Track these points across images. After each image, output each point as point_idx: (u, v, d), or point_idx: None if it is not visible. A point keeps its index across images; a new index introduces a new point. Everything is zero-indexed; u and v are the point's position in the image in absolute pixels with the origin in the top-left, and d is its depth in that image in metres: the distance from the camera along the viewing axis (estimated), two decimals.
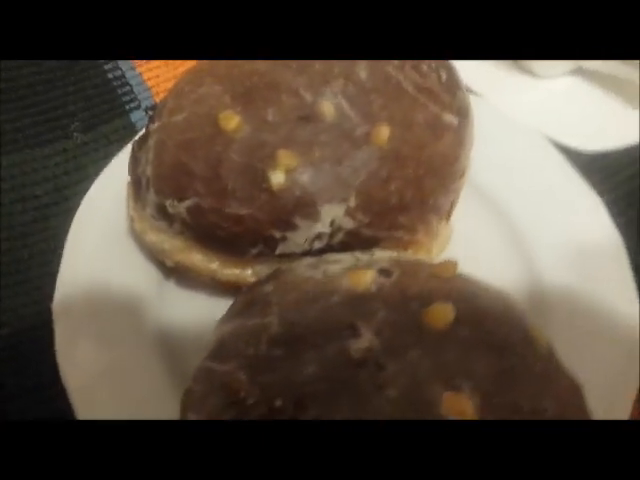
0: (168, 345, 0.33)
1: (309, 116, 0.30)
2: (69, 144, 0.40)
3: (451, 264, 0.29)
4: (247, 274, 0.32)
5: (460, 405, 0.23)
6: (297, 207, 0.29)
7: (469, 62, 0.39)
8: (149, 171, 0.30)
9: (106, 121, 0.41)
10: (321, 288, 0.27)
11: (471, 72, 0.39)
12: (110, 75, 0.43)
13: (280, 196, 0.29)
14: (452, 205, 0.32)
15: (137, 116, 0.41)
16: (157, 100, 0.42)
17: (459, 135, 0.32)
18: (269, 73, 0.31)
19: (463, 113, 0.33)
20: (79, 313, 0.32)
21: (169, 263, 0.32)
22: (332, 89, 0.30)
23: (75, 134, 0.40)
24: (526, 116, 0.39)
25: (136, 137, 0.34)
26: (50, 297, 0.34)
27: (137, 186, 0.31)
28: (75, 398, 0.30)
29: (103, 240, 0.35)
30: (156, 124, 0.31)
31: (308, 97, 0.30)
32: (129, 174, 0.33)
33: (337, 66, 0.31)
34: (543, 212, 0.36)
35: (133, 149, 0.32)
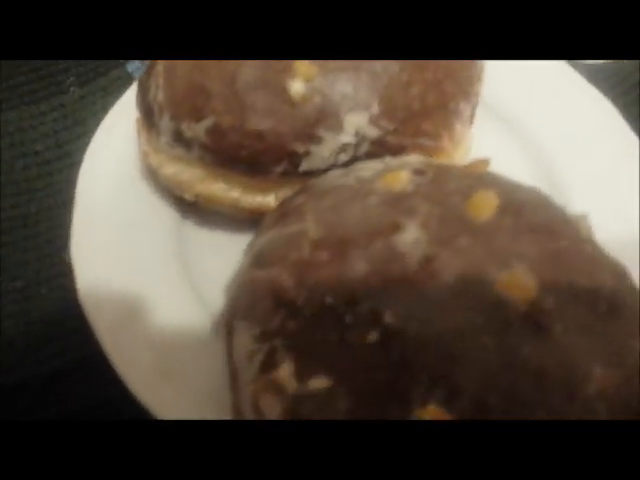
0: (192, 282, 0.32)
1: None
2: (66, 99, 0.38)
3: (483, 161, 0.29)
4: (270, 200, 0.31)
5: (519, 282, 0.22)
6: (320, 118, 0.28)
7: None
8: (161, 96, 0.29)
9: (102, 73, 0.39)
10: (356, 191, 0.26)
11: None
12: None
13: (301, 107, 0.28)
14: (473, 110, 0.31)
15: (133, 66, 0.40)
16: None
17: None
18: None
19: None
20: (99, 256, 0.31)
21: (189, 196, 0.31)
22: None
23: (71, 88, 0.39)
24: None
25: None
26: (62, 249, 0.33)
27: (149, 116, 0.30)
28: (105, 339, 0.29)
29: (115, 185, 0.33)
30: None
31: None
32: (138, 107, 0.31)
33: None
34: (561, 125, 0.36)
35: (140, 80, 0.31)
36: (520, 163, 0.35)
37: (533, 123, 0.36)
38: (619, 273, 0.25)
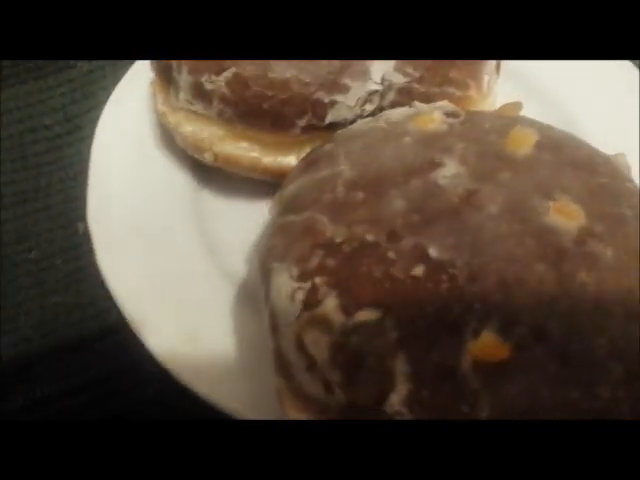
0: (211, 249, 0.30)
1: None
2: (74, 73, 0.37)
3: (515, 104, 0.28)
4: (291, 160, 0.29)
5: (570, 209, 0.21)
6: (345, 64, 0.27)
7: None
8: None
9: None
10: (388, 133, 0.25)
11: None
12: None
13: None
14: (499, 61, 0.31)
15: None
16: None
17: None
18: None
19: None
20: (117, 223, 0.30)
21: (208, 157, 0.30)
22: None
23: (79, 63, 0.38)
24: None
25: None
26: (76, 220, 0.32)
27: (166, 73, 0.29)
28: (126, 305, 0.28)
29: (130, 153, 0.32)
30: None
31: None
32: (153, 67, 0.30)
33: None
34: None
35: None
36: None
37: (559, 90, 0.36)
38: None
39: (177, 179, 0.32)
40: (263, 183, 0.31)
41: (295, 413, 0.20)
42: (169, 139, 0.32)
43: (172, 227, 0.30)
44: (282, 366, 0.21)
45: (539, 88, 0.34)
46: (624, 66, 0.35)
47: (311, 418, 0.20)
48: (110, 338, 0.28)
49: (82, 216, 0.31)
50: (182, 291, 0.28)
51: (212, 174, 0.32)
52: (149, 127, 0.33)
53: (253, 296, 0.28)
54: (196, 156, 0.31)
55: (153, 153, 0.32)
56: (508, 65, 0.33)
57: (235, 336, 0.28)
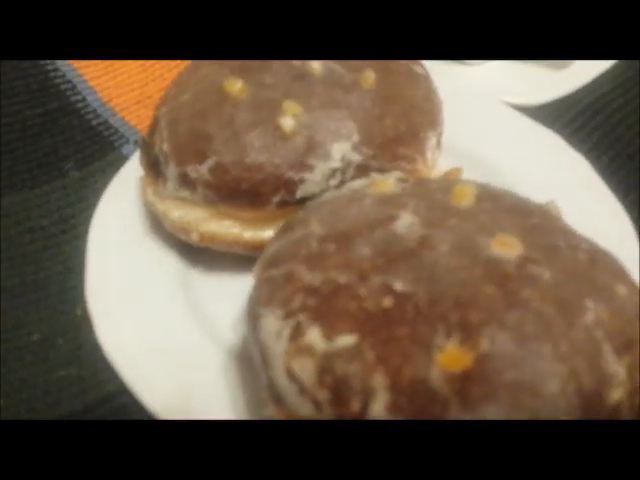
0: (201, 319, 0.33)
1: (301, 75, 0.33)
2: (66, 181, 0.41)
3: (456, 169, 0.33)
4: (270, 234, 0.33)
5: (509, 241, 0.25)
6: (309, 148, 0.32)
7: None
8: (166, 147, 0.33)
9: (99, 158, 0.43)
10: (351, 198, 0.29)
11: None
12: (94, 122, 0.45)
13: (292, 140, 0.32)
14: (439, 137, 0.36)
15: (128, 149, 0.43)
16: (143, 134, 0.44)
17: (429, 82, 0.36)
18: None
19: (426, 70, 0.38)
20: (113, 300, 0.33)
21: (194, 237, 0.33)
22: None
23: (71, 172, 0.42)
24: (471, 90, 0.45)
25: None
26: (74, 306, 0.35)
27: (155, 167, 0.33)
28: (125, 372, 0.30)
29: (123, 242, 0.36)
30: (162, 109, 0.34)
31: (296, 63, 0.34)
32: (142, 164, 0.35)
33: None
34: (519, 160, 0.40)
35: (143, 140, 0.35)
36: None
37: (490, 158, 0.41)
38: (590, 240, 0.28)
39: (167, 260, 0.35)
40: (246, 258, 0.34)
41: None
42: (158, 226, 0.36)
43: (164, 302, 0.33)
44: (275, 396, 0.23)
45: (476, 160, 0.39)
46: (547, 134, 0.41)
47: None
48: (111, 404, 0.30)
49: (80, 302, 0.34)
50: (176, 357, 0.31)
51: (199, 253, 0.35)
52: (139, 217, 0.37)
53: (240, 358, 0.31)
54: (184, 238, 0.34)
55: (144, 239, 0.36)
56: (447, 142, 0.38)
57: (226, 393, 0.30)
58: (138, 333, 0.32)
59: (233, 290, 0.35)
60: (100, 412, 0.30)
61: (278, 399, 0.23)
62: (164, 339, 0.32)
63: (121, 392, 0.30)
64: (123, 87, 0.48)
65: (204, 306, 0.34)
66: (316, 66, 0.33)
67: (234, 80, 0.33)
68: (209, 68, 0.34)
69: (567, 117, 0.45)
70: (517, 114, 0.42)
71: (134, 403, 0.30)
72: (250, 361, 0.27)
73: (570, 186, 0.39)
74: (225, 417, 0.29)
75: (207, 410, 0.29)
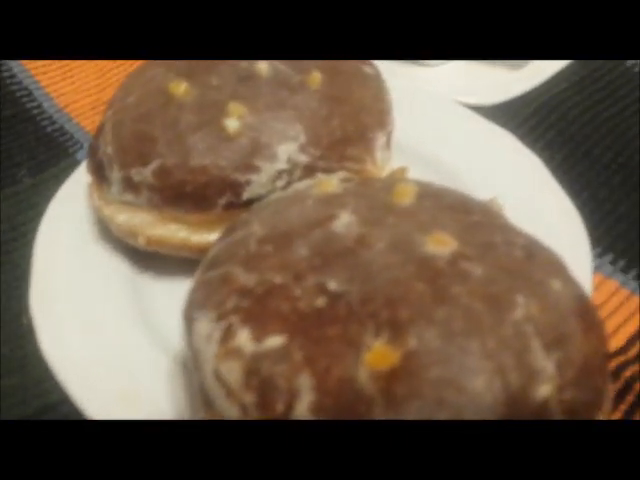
0: (151, 327, 0.33)
1: (248, 76, 0.33)
2: (19, 187, 0.41)
3: (401, 169, 0.33)
4: (216, 236, 0.33)
5: (443, 238, 0.25)
6: (255, 149, 0.32)
7: None
8: (110, 150, 0.32)
9: (53, 164, 0.43)
10: (293, 199, 0.29)
11: None
12: (49, 129, 0.45)
13: (238, 141, 0.32)
14: (389, 137, 0.36)
15: (82, 155, 0.43)
16: None
17: (379, 82, 0.37)
18: None
19: (377, 69, 0.38)
20: (57, 307, 0.33)
21: (141, 241, 0.33)
22: None
23: (24, 179, 0.42)
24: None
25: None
26: (20, 315, 0.34)
27: (99, 171, 0.33)
28: (71, 387, 0.30)
29: (70, 247, 0.35)
30: (109, 112, 0.34)
31: (244, 63, 0.34)
32: (89, 169, 0.34)
33: None
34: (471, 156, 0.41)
35: (90, 145, 0.34)
36: None
37: (442, 157, 0.41)
38: (530, 236, 0.28)
39: (116, 266, 0.35)
40: (196, 261, 0.34)
41: None
42: (107, 232, 0.35)
43: (111, 309, 0.33)
44: (205, 400, 0.23)
45: (428, 160, 0.40)
46: (500, 133, 0.41)
47: None
48: (53, 413, 0.30)
49: (26, 310, 0.34)
50: (121, 365, 0.31)
51: (149, 258, 0.35)
52: (88, 223, 0.36)
53: (187, 364, 0.31)
54: (131, 242, 0.34)
55: (92, 245, 0.36)
56: (400, 141, 0.38)
57: (172, 401, 0.30)
58: (83, 341, 0.31)
59: (183, 295, 0.34)
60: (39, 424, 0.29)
61: (208, 403, 0.23)
62: (110, 346, 0.31)
63: (63, 401, 0.30)
64: (80, 93, 0.48)
65: (153, 312, 0.34)
66: (263, 67, 0.33)
67: (179, 82, 0.32)
68: (155, 70, 0.34)
69: (522, 116, 0.45)
70: (471, 113, 0.42)
71: (76, 412, 0.29)
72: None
73: (522, 185, 0.39)
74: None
75: (151, 418, 0.28)
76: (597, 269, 0.37)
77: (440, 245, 0.25)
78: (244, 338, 0.23)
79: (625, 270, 0.37)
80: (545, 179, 0.39)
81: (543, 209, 0.37)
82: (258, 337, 0.23)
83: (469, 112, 0.43)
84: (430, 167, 0.39)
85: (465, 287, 0.23)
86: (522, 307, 0.23)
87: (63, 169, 0.42)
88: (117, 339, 0.32)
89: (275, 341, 0.22)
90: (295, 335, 0.22)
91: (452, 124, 0.42)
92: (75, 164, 0.43)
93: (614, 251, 0.38)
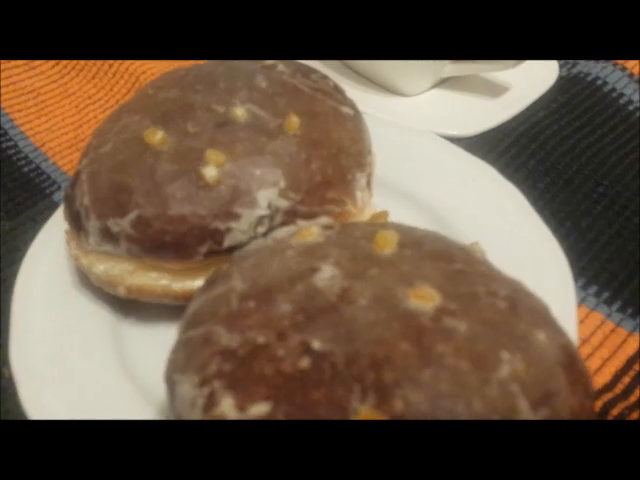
0: (133, 377, 0.32)
1: (225, 122, 0.33)
2: None
3: (382, 213, 0.33)
4: (199, 283, 0.32)
5: (426, 293, 0.25)
6: (234, 196, 0.31)
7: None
8: (86, 200, 0.32)
9: (30, 206, 0.42)
10: (274, 249, 0.29)
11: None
12: (25, 169, 0.45)
13: (217, 189, 0.31)
14: (369, 178, 0.36)
15: (59, 196, 0.43)
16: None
17: (357, 122, 0.36)
18: (180, 98, 0.34)
19: (355, 108, 0.38)
20: (37, 360, 0.32)
21: (121, 291, 0.33)
22: (240, 99, 0.34)
23: (1, 222, 0.41)
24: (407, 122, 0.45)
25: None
26: (1, 366, 0.34)
27: (76, 221, 0.33)
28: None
29: (49, 297, 0.35)
30: (84, 161, 0.33)
31: (220, 109, 0.34)
32: (66, 218, 0.34)
33: (239, 81, 0.35)
34: (452, 192, 0.40)
35: (66, 193, 0.34)
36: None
37: (423, 192, 0.41)
38: (513, 282, 0.28)
39: (97, 314, 0.34)
40: (176, 308, 0.34)
41: None
42: (86, 279, 0.35)
43: (92, 360, 0.32)
44: None
45: (409, 195, 0.40)
46: (479, 165, 0.41)
47: None
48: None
49: (7, 361, 0.33)
50: (105, 416, 0.30)
51: (130, 305, 0.34)
52: (67, 271, 0.36)
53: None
54: (111, 292, 0.33)
55: (71, 294, 0.35)
56: (381, 176, 0.38)
57: None
58: (64, 393, 0.31)
59: (166, 341, 0.33)
60: None
61: None
62: (92, 399, 0.31)
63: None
64: (56, 131, 0.47)
65: (135, 360, 0.33)
66: (239, 113, 0.33)
67: (155, 130, 0.32)
68: (130, 118, 0.33)
69: (502, 146, 0.45)
70: (450, 146, 0.42)
71: None
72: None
73: (503, 218, 0.39)
74: None
75: None
76: (581, 301, 0.37)
77: (423, 300, 0.25)
78: (228, 406, 0.22)
79: (609, 302, 0.37)
80: (526, 211, 0.39)
81: (524, 243, 0.37)
82: (242, 405, 0.22)
83: (448, 145, 0.43)
84: (411, 203, 0.39)
85: (450, 345, 0.23)
86: (507, 364, 0.23)
87: (40, 211, 0.42)
88: (100, 391, 0.31)
89: (259, 409, 0.22)
90: (279, 401, 0.22)
91: (432, 159, 0.42)
92: (52, 206, 0.42)
93: (598, 283, 0.38)
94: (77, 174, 0.33)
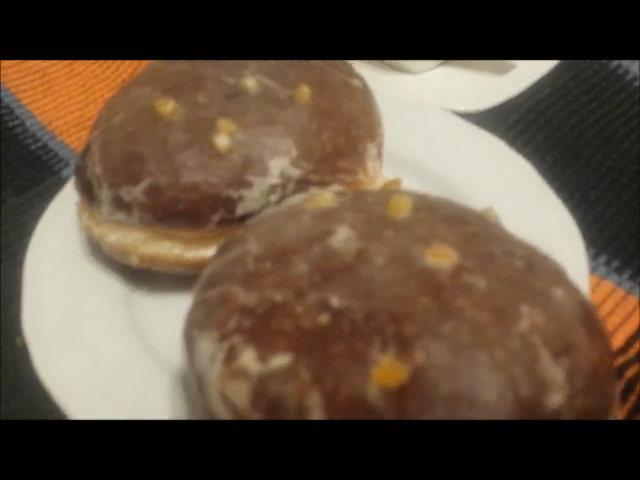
0: (147, 347, 0.32)
1: (236, 93, 0.33)
2: (4, 208, 0.40)
3: (395, 180, 0.33)
4: (211, 252, 0.32)
5: (443, 251, 0.25)
6: (246, 165, 0.31)
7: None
8: (98, 170, 0.32)
9: (38, 182, 0.42)
10: (288, 215, 0.29)
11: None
12: (32, 147, 0.44)
13: (229, 158, 0.31)
14: (379, 149, 0.36)
15: (67, 172, 0.43)
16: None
17: (366, 94, 0.36)
18: (190, 71, 0.34)
19: (364, 82, 0.38)
20: (51, 328, 0.32)
21: (134, 260, 0.32)
22: (250, 70, 0.34)
23: (9, 199, 0.41)
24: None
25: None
26: (14, 336, 0.34)
27: (88, 191, 0.32)
28: (65, 403, 0.29)
29: (61, 268, 0.35)
30: (95, 132, 0.33)
31: (230, 80, 0.34)
32: (77, 189, 0.34)
33: None
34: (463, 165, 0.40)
35: (77, 164, 0.34)
36: None
37: (434, 165, 0.41)
38: (528, 245, 0.28)
39: (109, 284, 0.34)
40: (191, 277, 0.34)
41: None
42: (98, 250, 0.35)
43: (106, 329, 0.32)
44: None
45: (419, 168, 0.39)
46: (488, 139, 0.41)
47: None
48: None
49: (19, 332, 0.33)
50: (119, 386, 0.30)
51: (142, 275, 0.34)
52: (78, 244, 0.35)
53: (187, 383, 0.30)
54: (123, 261, 0.33)
55: (84, 264, 0.35)
56: (391, 151, 0.38)
57: (174, 416, 0.29)
58: (78, 362, 0.31)
59: (179, 311, 0.33)
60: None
61: None
62: (107, 367, 0.31)
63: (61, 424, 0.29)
64: (63, 110, 0.47)
65: (149, 330, 0.33)
66: (250, 83, 0.33)
67: (166, 101, 0.32)
68: (140, 90, 0.33)
69: (510, 120, 0.45)
70: (459, 120, 0.42)
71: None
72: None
73: (514, 190, 0.39)
74: None
75: None
76: (592, 271, 0.37)
77: (440, 258, 0.25)
78: (249, 358, 0.22)
79: (619, 271, 0.37)
80: (537, 183, 0.39)
81: (536, 213, 0.37)
82: (263, 356, 0.22)
83: (457, 119, 0.43)
84: (422, 177, 0.39)
85: (469, 300, 0.23)
86: (527, 317, 0.23)
87: (48, 187, 0.42)
88: (114, 359, 0.31)
89: (281, 360, 0.22)
90: (301, 353, 0.22)
91: (441, 132, 0.42)
92: (60, 182, 0.42)
93: (608, 252, 0.38)
94: (88, 145, 0.33)
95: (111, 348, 0.32)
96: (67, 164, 0.43)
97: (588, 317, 0.25)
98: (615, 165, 0.42)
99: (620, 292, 0.37)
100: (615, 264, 0.38)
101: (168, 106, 0.32)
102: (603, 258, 0.38)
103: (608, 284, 0.37)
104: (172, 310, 0.34)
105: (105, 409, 0.29)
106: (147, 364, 0.31)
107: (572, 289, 0.26)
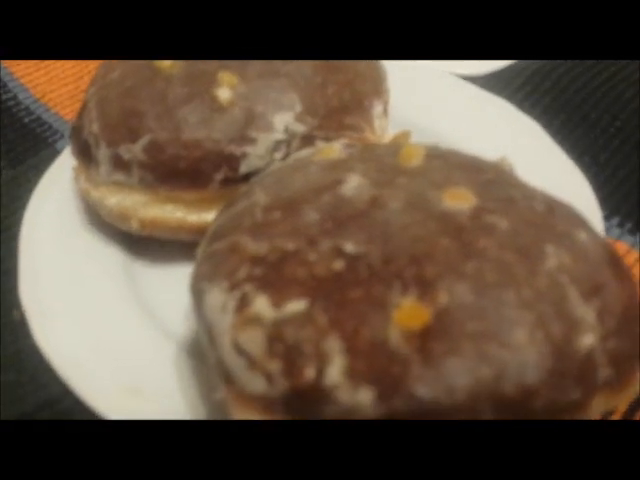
0: (149, 313, 0.31)
1: None
2: None
3: (405, 133, 0.31)
4: (214, 215, 0.31)
5: (461, 193, 0.24)
6: (250, 120, 0.30)
7: None
8: (96, 128, 0.30)
9: (32, 155, 0.41)
10: (296, 167, 0.28)
11: None
12: (26, 120, 0.43)
13: (231, 112, 0.30)
14: (385, 105, 0.34)
15: (62, 144, 0.41)
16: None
17: None
18: None
19: None
20: (49, 298, 0.31)
21: (134, 224, 0.31)
22: None
23: (4, 172, 0.39)
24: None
25: None
26: (11, 309, 0.32)
27: (85, 152, 0.31)
28: (66, 373, 0.28)
29: (58, 237, 0.33)
30: (91, 90, 0.32)
31: None
32: (73, 151, 0.32)
33: None
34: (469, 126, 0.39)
35: (73, 125, 0.32)
36: None
37: (442, 129, 0.40)
38: (547, 192, 0.27)
39: (108, 253, 0.33)
40: (193, 245, 0.32)
41: (241, 416, 0.21)
42: (96, 217, 0.33)
43: (106, 297, 0.31)
44: (225, 375, 0.21)
45: (426, 131, 0.38)
46: (495, 101, 0.40)
47: (257, 418, 0.20)
48: (52, 409, 0.28)
49: (16, 304, 0.32)
50: (122, 354, 0.29)
51: (142, 243, 0.33)
52: (75, 210, 0.34)
53: (191, 350, 0.29)
54: (123, 227, 0.32)
55: (81, 232, 0.34)
56: (397, 114, 0.37)
57: (178, 388, 0.28)
58: (79, 331, 0.29)
59: (180, 280, 0.32)
60: (39, 417, 0.27)
61: (228, 378, 0.21)
62: (108, 336, 0.29)
63: (63, 396, 0.28)
64: (56, 82, 0.45)
65: (150, 298, 0.32)
66: None
67: None
68: None
69: (516, 84, 0.44)
70: (464, 83, 0.41)
71: (78, 406, 0.27)
72: (202, 353, 0.25)
73: (524, 151, 0.37)
74: (177, 413, 0.26)
75: (158, 408, 0.26)
76: (606, 232, 0.36)
77: (459, 200, 0.24)
78: (262, 305, 0.21)
79: (633, 232, 0.36)
80: (547, 144, 0.38)
81: (548, 173, 0.36)
82: (277, 303, 0.21)
83: (462, 82, 0.42)
84: (429, 138, 0.38)
85: (492, 240, 0.22)
86: (554, 257, 0.22)
87: (43, 159, 0.40)
88: (115, 328, 0.30)
89: (297, 305, 0.21)
90: (316, 299, 0.21)
91: (447, 94, 0.41)
92: (55, 154, 0.40)
93: (620, 214, 0.37)
94: (84, 103, 0.32)
95: (112, 317, 0.30)
96: (62, 136, 0.42)
97: (614, 259, 0.24)
98: (624, 126, 0.41)
99: (635, 254, 0.36)
100: (628, 225, 0.37)
101: (166, 60, 0.31)
102: (616, 220, 0.37)
103: (622, 246, 0.36)
104: (174, 279, 0.33)
105: (106, 378, 0.28)
106: (149, 332, 0.30)
107: (594, 233, 0.25)
